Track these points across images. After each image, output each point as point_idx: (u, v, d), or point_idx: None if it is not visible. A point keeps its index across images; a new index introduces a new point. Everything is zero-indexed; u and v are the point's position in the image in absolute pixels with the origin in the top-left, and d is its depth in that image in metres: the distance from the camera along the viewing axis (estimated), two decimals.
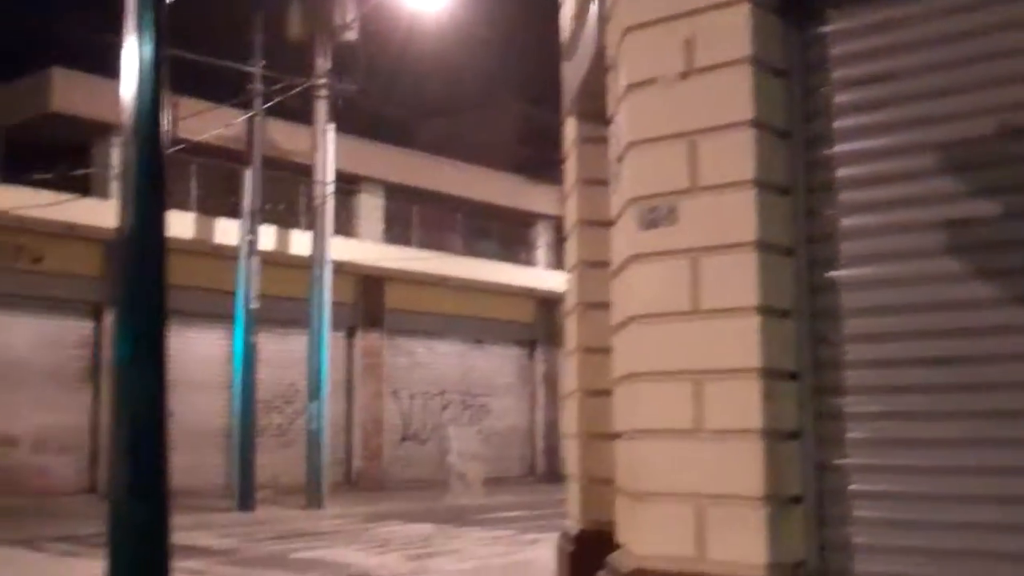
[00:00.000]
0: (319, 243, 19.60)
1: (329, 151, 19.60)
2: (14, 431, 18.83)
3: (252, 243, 18.72)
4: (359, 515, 19.09)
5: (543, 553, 14.30)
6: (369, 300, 23.51)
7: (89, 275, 19.67)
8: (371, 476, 23.39)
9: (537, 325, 27.98)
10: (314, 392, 19.48)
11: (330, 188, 19.59)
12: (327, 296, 19.56)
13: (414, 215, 25.30)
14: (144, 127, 5.20)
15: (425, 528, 16.96)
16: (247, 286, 18.62)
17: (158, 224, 5.17)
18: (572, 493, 7.77)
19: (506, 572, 12.27)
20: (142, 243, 5.06)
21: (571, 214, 7.93)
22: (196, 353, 21.32)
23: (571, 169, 7.97)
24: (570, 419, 7.91)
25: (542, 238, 28.15)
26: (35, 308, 19.19)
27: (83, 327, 19.83)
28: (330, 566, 12.93)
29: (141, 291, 5.01)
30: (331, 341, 19.79)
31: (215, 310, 20.80)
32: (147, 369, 4.90)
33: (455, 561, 13.21)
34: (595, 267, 7.22)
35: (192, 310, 20.87)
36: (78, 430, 19.61)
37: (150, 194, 5.16)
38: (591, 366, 7.33)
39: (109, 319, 19.71)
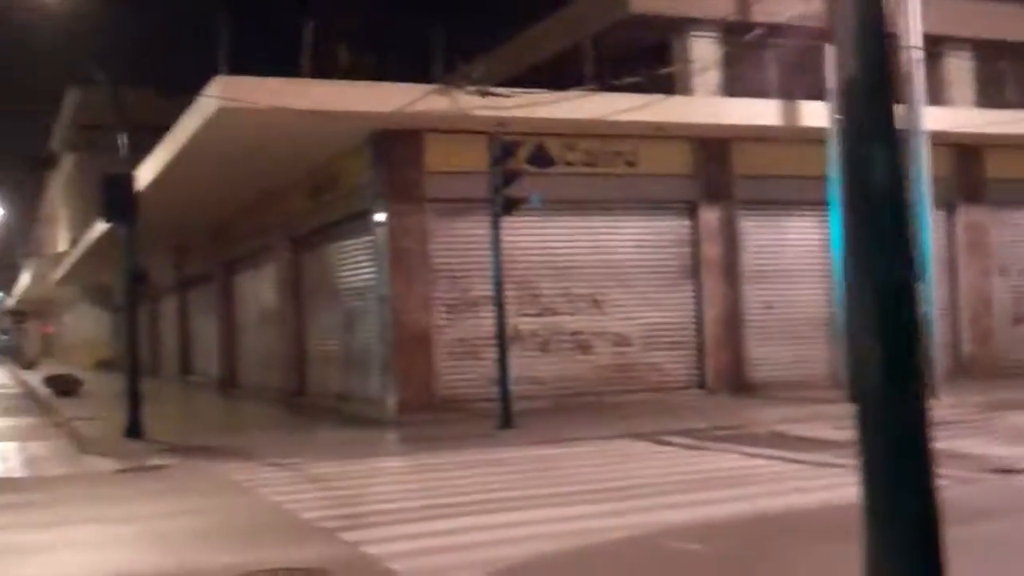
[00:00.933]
0: (911, 114, 18.29)
1: (915, 13, 18.15)
2: (628, 331, 19.77)
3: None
4: (975, 404, 17.84)
5: None
6: (967, 172, 21.69)
7: (681, 174, 20.02)
8: (981, 361, 21.81)
9: None
10: (919, 273, 18.38)
11: (918, 53, 18.18)
12: (924, 170, 18.27)
13: (1007, 73, 22.84)
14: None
15: None
16: (841, 168, 17.84)
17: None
18: None
19: None
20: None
21: None
22: (792, 243, 21.02)
23: None
24: None
25: None
26: (635, 210, 19.90)
27: (680, 225, 20.26)
28: (965, 458, 12.08)
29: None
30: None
31: (807, 197, 20.30)
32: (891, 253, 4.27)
33: None
34: None
35: (784, 198, 20.63)
36: (683, 327, 20.19)
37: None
38: None
39: (705, 216, 20.03)
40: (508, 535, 8.71)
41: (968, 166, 21.71)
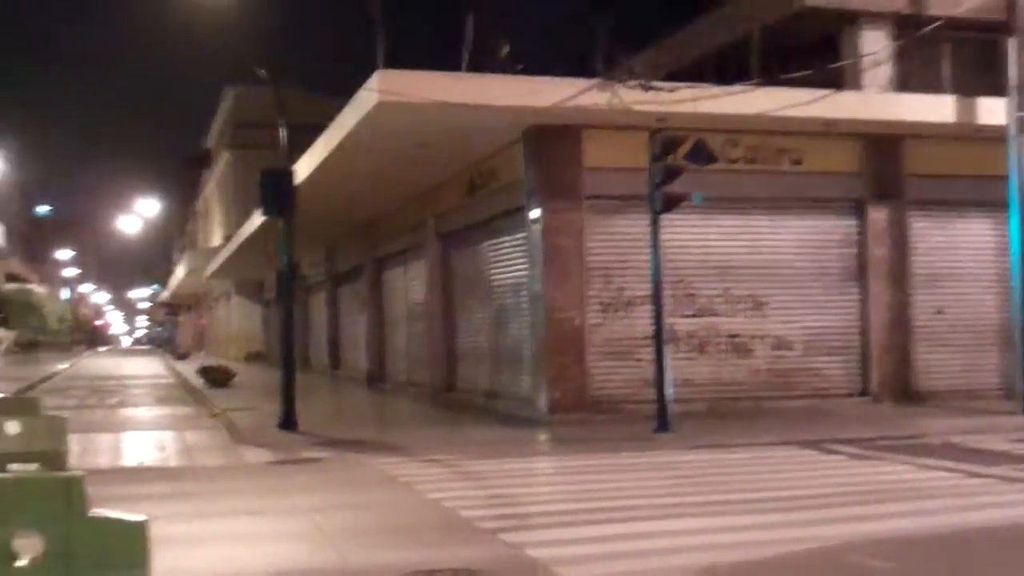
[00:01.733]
0: None
1: None
2: (788, 334, 19.07)
3: (1022, 120, 16.90)
4: None
5: None
6: None
7: (848, 172, 19.21)
8: None
9: None
10: None
11: None
12: None
13: None
14: None
15: None
16: (1019, 167, 16.87)
17: None
18: None
19: None
20: None
21: None
22: (965, 245, 19.99)
23: None
24: None
25: None
26: (798, 209, 19.18)
27: (846, 226, 19.44)
28: None
29: None
30: None
31: (983, 197, 19.29)
32: None
33: None
34: None
35: (958, 199, 19.63)
36: (847, 331, 19.37)
37: None
38: None
39: (873, 216, 19.20)
40: (676, 544, 8.31)
41: None
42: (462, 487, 11.58)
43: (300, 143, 22.13)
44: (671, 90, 16.31)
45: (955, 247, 19.89)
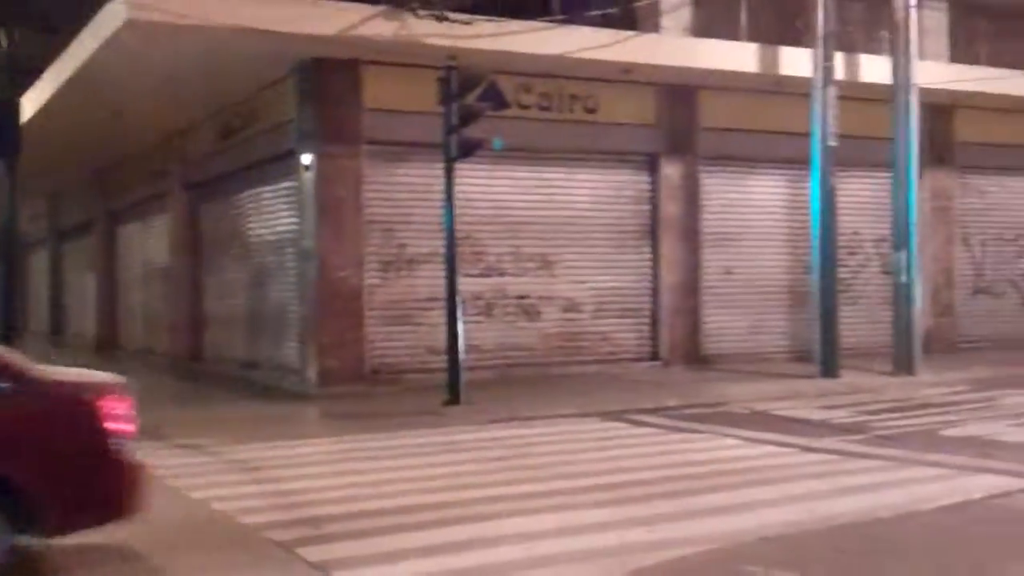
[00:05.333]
0: (902, 65, 16.66)
1: None
2: (579, 295, 17.74)
3: (828, 71, 16.12)
4: (959, 381, 16.39)
5: None
6: (936, 133, 20.16)
7: (643, 123, 17.98)
8: (941, 336, 20.41)
9: None
10: (901, 240, 16.77)
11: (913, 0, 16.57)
12: (914, 126, 16.65)
13: (981, 29, 21.36)
14: None
15: None
16: (824, 121, 16.09)
17: None
18: None
19: None
20: None
21: None
22: (757, 203, 19.23)
23: None
24: None
25: None
26: (592, 162, 17.80)
27: (640, 180, 18.22)
28: (1008, 446, 10.46)
29: None
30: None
31: (777, 153, 18.58)
32: None
33: None
34: None
35: (752, 155, 18.82)
36: (638, 293, 18.25)
37: None
38: None
39: (666, 171, 18.13)
40: (531, 555, 6.64)
41: (937, 127, 20.17)
42: (233, 482, 9.49)
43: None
44: (468, 23, 14.55)
45: (746, 205, 19.11)
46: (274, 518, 7.89)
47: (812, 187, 16.50)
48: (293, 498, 8.65)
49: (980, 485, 8.39)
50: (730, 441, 11.37)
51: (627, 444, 11.31)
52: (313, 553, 6.81)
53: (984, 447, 10.44)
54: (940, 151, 20.41)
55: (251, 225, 18.90)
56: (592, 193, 17.80)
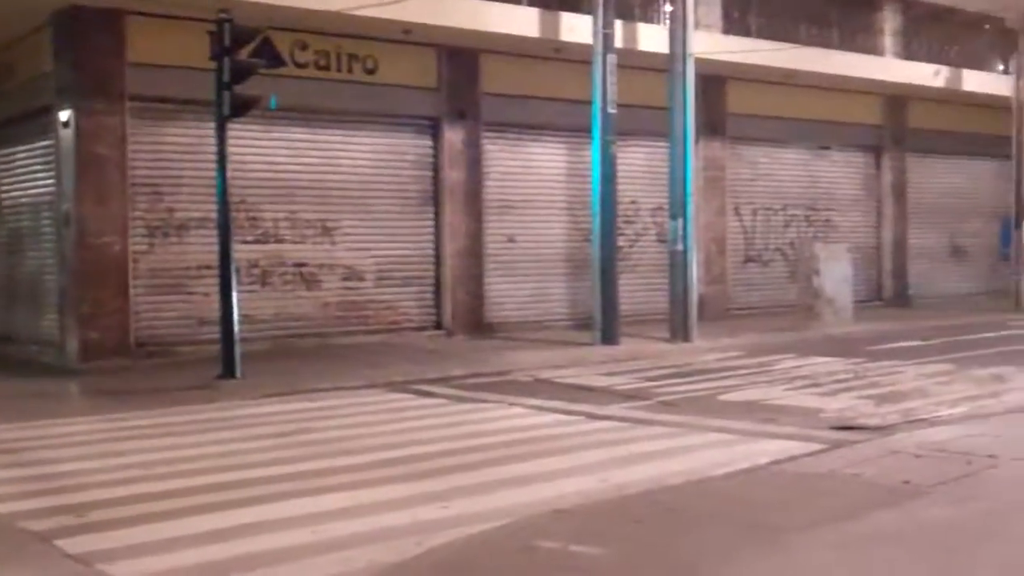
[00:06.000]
0: (679, 35, 16.86)
1: None
2: (360, 263, 17.22)
3: (608, 38, 16.14)
4: (733, 347, 16.84)
5: None
6: (710, 102, 20.58)
7: (425, 86, 17.55)
8: (713, 303, 20.98)
9: (884, 127, 24.53)
10: (677, 208, 17.03)
11: None
12: (690, 96, 16.91)
13: (752, 2, 21.93)
14: None
15: (832, 363, 14.55)
16: (604, 89, 16.11)
17: None
18: None
19: None
20: None
21: None
22: (539, 170, 19.13)
23: None
24: None
25: (889, 24, 24.33)
26: (373, 125, 17.26)
27: (423, 145, 17.80)
28: (788, 410, 10.70)
29: None
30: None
31: (559, 121, 18.54)
32: None
33: (945, 405, 10.71)
34: None
35: (534, 121, 18.70)
36: (421, 260, 17.88)
37: None
38: None
39: (448, 136, 17.82)
40: (309, 539, 6.21)
41: (710, 98, 20.60)
42: None
43: None
44: None
45: (529, 172, 18.99)
46: (30, 506, 7.17)
47: (593, 155, 16.53)
48: (53, 483, 7.91)
49: (765, 450, 8.48)
50: (518, 410, 11.20)
51: (414, 416, 10.98)
52: (74, 544, 6.18)
53: (764, 411, 10.64)
54: (713, 122, 20.89)
55: (5, 187, 17.47)
56: (373, 157, 17.28)
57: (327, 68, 16.44)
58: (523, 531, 6.13)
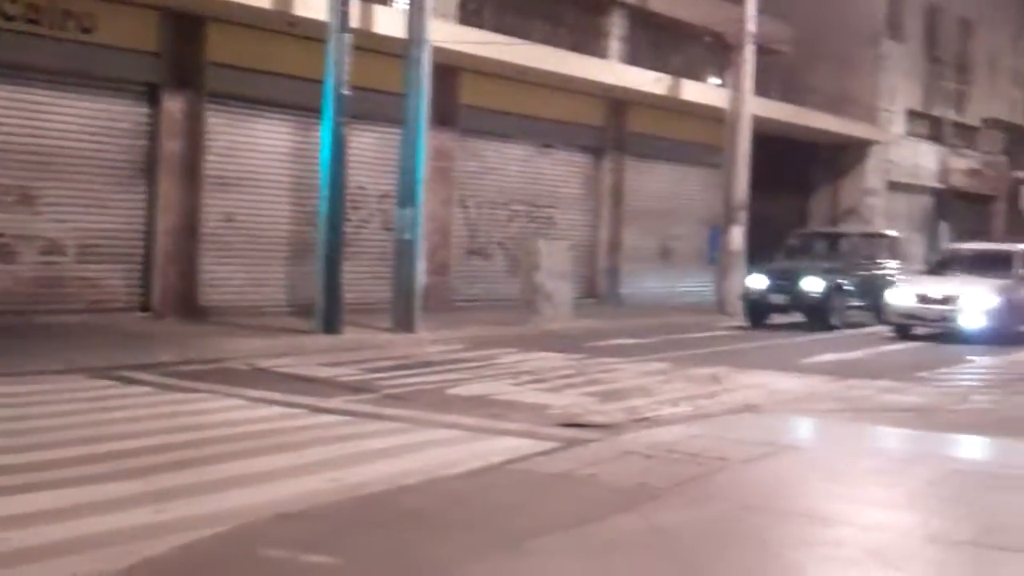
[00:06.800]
0: (417, 19, 16.54)
1: None
2: (62, 236, 15.88)
3: (344, 16, 15.58)
4: (457, 340, 16.72)
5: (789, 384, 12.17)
6: (443, 93, 20.31)
7: (145, 50, 16.39)
8: (437, 295, 20.79)
9: (606, 130, 25.17)
10: (407, 197, 16.71)
11: None
12: (426, 84, 16.61)
13: None
14: None
15: (554, 358, 14.67)
16: (338, 69, 15.55)
17: None
18: None
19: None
20: None
21: None
22: (264, 147, 18.30)
23: None
24: None
25: (616, 29, 24.96)
26: (86, 87, 15.94)
27: (139, 112, 16.61)
28: (516, 405, 10.59)
29: None
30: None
31: (289, 98, 17.82)
32: None
33: (667, 404, 10.91)
34: None
35: (262, 96, 17.89)
36: (129, 236, 16.70)
37: None
38: None
39: (168, 105, 16.77)
40: (21, 544, 5.46)
41: (443, 88, 20.34)
42: None
43: None
44: None
45: (254, 149, 18.15)
46: None
47: (323, 136, 15.92)
48: None
49: (498, 448, 8.27)
50: (235, 401, 10.54)
51: (119, 406, 10.08)
52: None
53: (493, 407, 10.48)
54: (444, 112, 20.67)
55: None
56: (82, 122, 15.97)
57: (37, 23, 15.04)
58: (247, 538, 5.61)
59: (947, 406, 10.83)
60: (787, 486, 7.03)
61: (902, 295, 19.74)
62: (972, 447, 8.63)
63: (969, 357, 16.37)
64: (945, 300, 19.01)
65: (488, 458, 7.79)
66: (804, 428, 9.45)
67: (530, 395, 11.40)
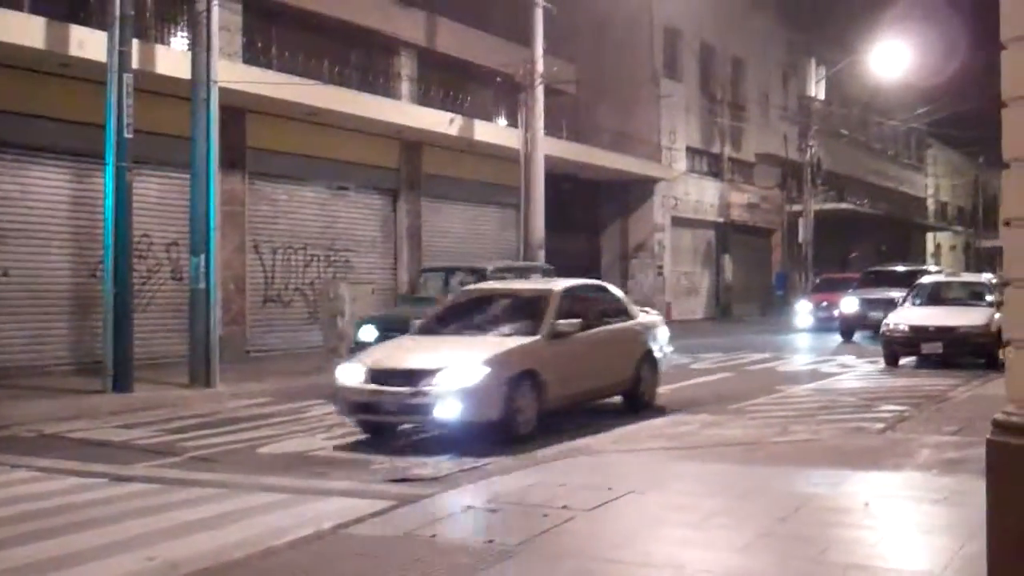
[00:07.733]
0: (202, 60, 15.74)
1: None
2: None
3: (125, 57, 14.65)
4: (260, 393, 15.84)
5: None
6: (230, 135, 19.44)
7: None
8: (232, 344, 19.84)
9: (401, 171, 24.78)
10: (199, 244, 15.78)
11: None
12: (214, 126, 15.80)
13: (273, 35, 21.25)
14: None
15: None
16: (120, 111, 14.60)
17: None
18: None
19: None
20: None
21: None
22: (41, 197, 17.01)
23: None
24: None
25: (406, 70, 24.70)
26: None
27: None
28: (336, 462, 10.03)
29: None
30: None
31: (68, 144, 16.65)
32: None
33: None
34: None
35: (36, 143, 16.64)
36: None
37: None
38: None
39: None
40: None
41: (229, 130, 19.47)
42: None
43: None
44: None
45: (29, 198, 16.84)
46: None
47: (106, 183, 14.89)
48: None
49: (326, 511, 7.68)
50: (24, 474, 9.55)
51: None
52: None
53: (312, 465, 9.87)
54: (232, 155, 19.85)
55: None
56: None
57: None
58: None
59: (769, 438, 10.89)
60: (638, 535, 6.77)
61: (351, 372, 11.37)
62: (807, 479, 8.59)
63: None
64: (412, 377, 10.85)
65: (318, 523, 7.23)
66: (639, 470, 9.23)
67: (348, 451, 10.83)
